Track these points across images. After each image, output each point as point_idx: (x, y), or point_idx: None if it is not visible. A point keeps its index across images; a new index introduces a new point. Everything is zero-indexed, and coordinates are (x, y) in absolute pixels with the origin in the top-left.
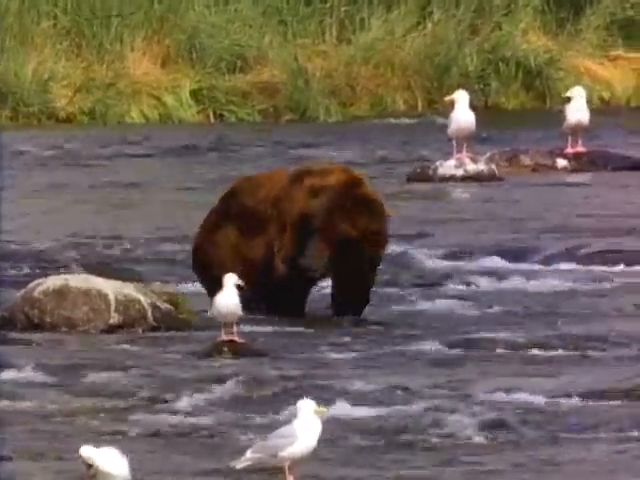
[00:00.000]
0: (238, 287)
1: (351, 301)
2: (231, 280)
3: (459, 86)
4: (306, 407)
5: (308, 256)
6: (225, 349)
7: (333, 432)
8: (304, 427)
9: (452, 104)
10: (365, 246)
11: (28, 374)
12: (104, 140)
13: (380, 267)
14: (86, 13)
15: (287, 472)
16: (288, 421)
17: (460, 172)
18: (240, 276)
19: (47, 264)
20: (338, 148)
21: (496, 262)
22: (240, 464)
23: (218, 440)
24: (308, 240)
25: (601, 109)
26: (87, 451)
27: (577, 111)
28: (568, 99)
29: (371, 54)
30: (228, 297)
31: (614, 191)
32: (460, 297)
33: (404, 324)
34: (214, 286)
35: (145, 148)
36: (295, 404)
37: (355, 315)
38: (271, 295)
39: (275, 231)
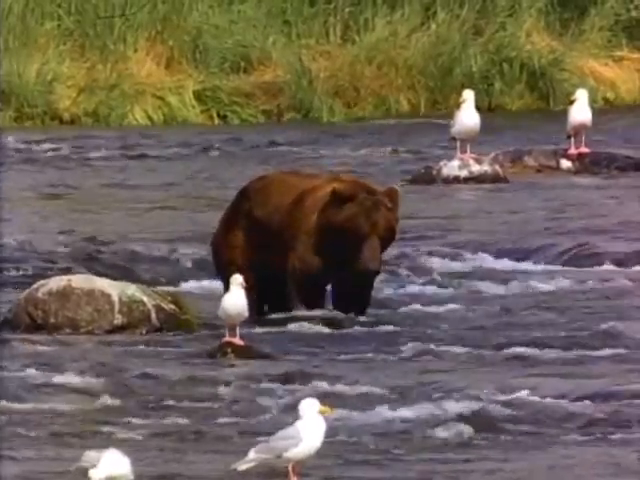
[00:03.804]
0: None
1: (351, 302)
2: (237, 281)
3: (463, 87)
4: (310, 407)
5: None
6: (229, 350)
7: (337, 433)
8: (308, 427)
9: (458, 105)
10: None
11: (31, 375)
12: (108, 141)
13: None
14: (90, 14)
15: (291, 473)
16: (291, 422)
17: (464, 173)
18: (246, 276)
19: (50, 265)
20: (341, 148)
21: (501, 263)
22: (243, 465)
23: (221, 441)
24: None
25: (605, 109)
26: (96, 475)
27: (579, 112)
28: (573, 101)
29: (375, 54)
30: (235, 298)
31: (618, 192)
32: (465, 298)
33: (409, 325)
34: (227, 284)
35: (149, 149)
36: (298, 405)
37: (358, 316)
38: (274, 296)
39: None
